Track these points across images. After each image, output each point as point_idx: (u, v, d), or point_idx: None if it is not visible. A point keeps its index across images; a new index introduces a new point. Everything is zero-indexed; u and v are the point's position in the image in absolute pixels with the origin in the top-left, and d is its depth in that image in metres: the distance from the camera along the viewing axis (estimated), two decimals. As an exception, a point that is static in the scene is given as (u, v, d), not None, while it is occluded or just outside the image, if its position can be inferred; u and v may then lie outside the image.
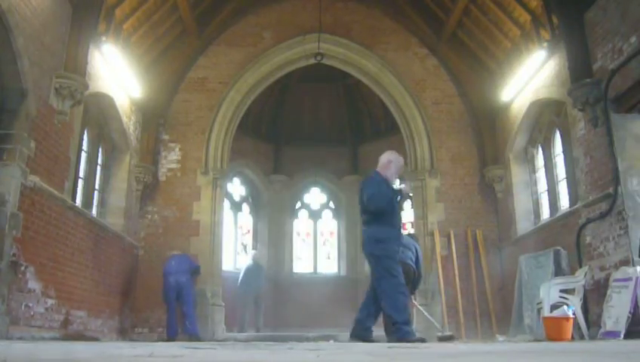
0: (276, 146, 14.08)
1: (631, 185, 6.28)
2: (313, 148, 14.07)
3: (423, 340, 5.08)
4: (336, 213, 14.34)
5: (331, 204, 14.43)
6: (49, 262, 6.57)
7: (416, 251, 6.97)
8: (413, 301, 7.57)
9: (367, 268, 7.07)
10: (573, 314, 5.85)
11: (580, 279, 6.61)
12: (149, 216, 9.93)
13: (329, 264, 14.12)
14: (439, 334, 7.31)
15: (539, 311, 6.66)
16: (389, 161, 5.63)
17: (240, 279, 11.55)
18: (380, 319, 5.57)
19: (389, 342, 5.18)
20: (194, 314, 8.85)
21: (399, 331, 5.09)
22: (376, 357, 2.61)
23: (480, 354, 2.73)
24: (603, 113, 6.69)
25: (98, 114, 8.79)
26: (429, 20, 10.59)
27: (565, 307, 5.75)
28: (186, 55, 10.50)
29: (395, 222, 5.45)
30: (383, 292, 5.25)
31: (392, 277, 5.22)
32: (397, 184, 5.79)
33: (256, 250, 12.75)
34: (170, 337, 8.62)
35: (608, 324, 5.75)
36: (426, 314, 8.23)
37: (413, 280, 6.96)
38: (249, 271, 11.60)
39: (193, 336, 8.49)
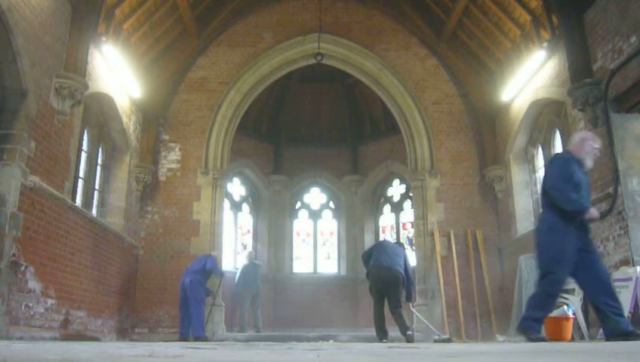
0: (276, 146, 14.06)
1: (631, 185, 6.29)
2: (313, 148, 14.08)
3: (543, 339, 4.65)
4: (336, 213, 14.32)
5: (331, 204, 14.41)
6: (49, 262, 6.57)
7: (405, 259, 7.04)
8: (410, 307, 7.61)
9: None
10: (573, 314, 5.84)
11: (580, 279, 6.59)
12: (149, 216, 9.93)
13: (329, 264, 14.11)
14: (436, 337, 7.33)
15: (539, 311, 6.64)
16: (582, 138, 4.80)
17: (237, 279, 11.55)
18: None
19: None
20: (198, 315, 8.70)
21: (523, 321, 4.72)
22: (376, 357, 2.61)
23: (480, 354, 2.73)
24: (603, 113, 6.68)
25: (98, 114, 8.79)
26: (429, 20, 10.60)
27: (565, 307, 5.74)
28: (186, 55, 10.50)
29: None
30: (539, 282, 4.72)
31: (549, 272, 4.59)
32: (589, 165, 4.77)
33: (252, 249, 12.74)
34: (183, 338, 8.60)
35: (608, 324, 5.74)
36: (422, 318, 8.24)
37: (405, 287, 7.03)
38: (245, 270, 11.60)
39: (199, 338, 8.44)
